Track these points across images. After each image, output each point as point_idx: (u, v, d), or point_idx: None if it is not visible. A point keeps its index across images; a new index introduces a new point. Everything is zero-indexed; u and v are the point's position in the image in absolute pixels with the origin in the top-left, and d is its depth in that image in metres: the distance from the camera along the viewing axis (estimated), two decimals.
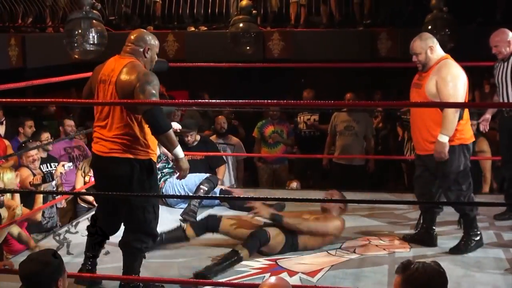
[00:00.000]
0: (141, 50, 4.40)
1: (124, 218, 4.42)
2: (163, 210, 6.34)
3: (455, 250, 5.15)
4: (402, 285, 2.67)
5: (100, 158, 4.36)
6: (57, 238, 5.25)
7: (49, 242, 5.45)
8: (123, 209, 4.38)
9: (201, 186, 6.31)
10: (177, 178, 4.44)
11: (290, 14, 11.09)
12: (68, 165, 6.18)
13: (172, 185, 6.51)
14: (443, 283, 2.72)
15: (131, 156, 4.25)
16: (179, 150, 4.29)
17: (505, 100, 5.75)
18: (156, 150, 4.47)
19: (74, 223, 5.32)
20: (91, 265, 4.55)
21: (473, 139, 5.27)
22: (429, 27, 8.63)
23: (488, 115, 6.12)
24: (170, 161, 6.72)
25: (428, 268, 2.70)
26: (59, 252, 4.96)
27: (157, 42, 4.52)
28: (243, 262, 4.96)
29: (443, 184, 5.18)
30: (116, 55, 4.44)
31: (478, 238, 5.18)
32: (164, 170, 6.58)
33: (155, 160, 4.46)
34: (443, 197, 5.26)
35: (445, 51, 5.26)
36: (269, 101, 3.98)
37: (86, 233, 4.61)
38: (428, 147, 5.14)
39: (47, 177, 5.86)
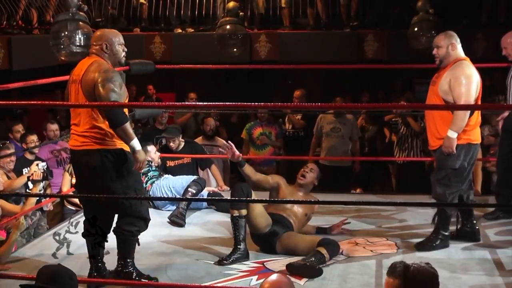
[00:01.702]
0: (100, 47, 4.57)
1: (111, 208, 4.57)
2: (150, 213, 6.35)
3: (420, 246, 5.23)
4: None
5: (74, 152, 4.59)
6: (57, 238, 5.24)
7: (49, 242, 5.43)
8: (106, 200, 4.54)
9: (189, 189, 6.31)
10: (134, 168, 4.47)
11: (282, 18, 11.10)
12: (42, 164, 6.20)
13: (159, 187, 6.51)
14: (438, 283, 2.76)
15: (100, 147, 4.45)
16: (135, 143, 4.42)
17: (510, 102, 5.77)
18: None
19: (74, 223, 5.31)
20: (97, 269, 4.61)
21: (479, 141, 5.31)
22: (416, 29, 8.68)
23: (506, 113, 6.00)
24: (153, 165, 6.71)
25: (426, 269, 2.73)
26: (58, 251, 5.05)
27: (117, 38, 4.63)
28: (230, 265, 4.98)
29: (435, 175, 5.26)
30: (86, 56, 4.67)
31: (445, 238, 5.23)
32: (149, 174, 6.57)
33: (128, 150, 4.53)
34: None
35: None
36: (256, 103, 4.00)
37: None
38: (434, 142, 5.23)
39: (48, 174, 5.86)
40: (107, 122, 4.41)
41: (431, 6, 8.69)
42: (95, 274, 4.57)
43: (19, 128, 7.61)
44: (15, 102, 7.70)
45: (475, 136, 5.23)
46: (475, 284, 4.63)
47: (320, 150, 8.64)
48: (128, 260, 4.57)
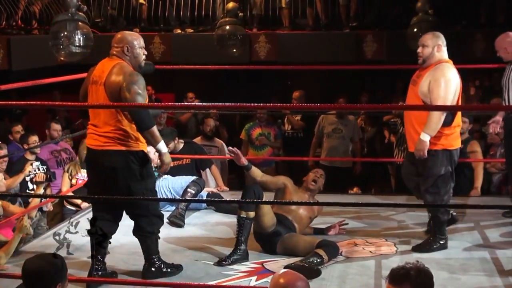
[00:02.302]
0: (122, 50, 4.61)
1: (128, 209, 4.68)
2: None
3: (418, 248, 5.23)
4: None
5: (94, 152, 4.62)
6: (57, 238, 5.26)
7: (49, 242, 5.43)
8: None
9: (188, 189, 6.31)
10: (159, 171, 4.58)
11: (281, 19, 11.10)
12: (36, 164, 6.20)
13: (158, 188, 6.49)
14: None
15: (124, 149, 4.52)
16: (162, 146, 4.54)
17: (507, 103, 5.79)
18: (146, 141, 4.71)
19: (74, 223, 5.32)
20: (97, 269, 4.63)
21: (459, 146, 5.32)
22: (415, 29, 8.68)
23: (498, 117, 5.99)
24: (154, 166, 6.71)
25: (425, 269, 2.74)
26: (59, 252, 5.07)
27: (138, 41, 4.68)
28: (230, 266, 4.98)
29: (423, 185, 5.26)
30: (106, 57, 4.67)
31: (443, 241, 5.25)
32: None
33: (147, 151, 4.66)
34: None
35: None
36: (255, 104, 4.01)
37: (86, 234, 4.71)
38: (413, 145, 5.24)
39: (52, 176, 5.87)
40: (132, 125, 4.48)
41: (430, 6, 8.70)
42: (95, 274, 4.58)
43: (19, 129, 7.63)
44: (14, 102, 7.70)
45: (455, 142, 5.24)
46: (474, 284, 4.63)
47: (321, 150, 8.65)
48: (154, 256, 4.71)
